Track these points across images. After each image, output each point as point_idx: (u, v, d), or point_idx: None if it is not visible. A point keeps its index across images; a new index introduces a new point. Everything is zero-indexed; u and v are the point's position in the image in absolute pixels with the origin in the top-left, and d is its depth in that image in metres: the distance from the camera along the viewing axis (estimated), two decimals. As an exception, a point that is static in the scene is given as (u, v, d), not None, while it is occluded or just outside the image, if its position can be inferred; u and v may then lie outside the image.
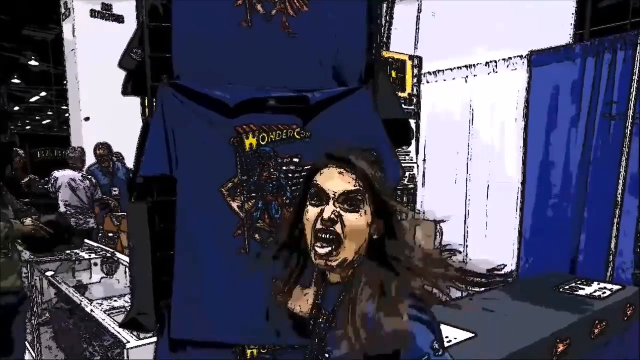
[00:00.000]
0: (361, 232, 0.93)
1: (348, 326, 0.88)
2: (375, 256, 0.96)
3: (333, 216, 0.91)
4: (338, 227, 0.91)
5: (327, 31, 1.48)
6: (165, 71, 1.41)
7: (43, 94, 16.07)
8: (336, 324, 0.96)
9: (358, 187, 0.93)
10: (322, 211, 0.92)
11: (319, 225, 0.92)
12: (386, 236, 0.96)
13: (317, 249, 0.93)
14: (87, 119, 6.28)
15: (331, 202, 0.92)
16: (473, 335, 1.96)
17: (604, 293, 2.65)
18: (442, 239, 3.75)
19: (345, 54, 1.51)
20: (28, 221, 2.74)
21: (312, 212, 0.95)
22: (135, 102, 1.79)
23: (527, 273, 3.53)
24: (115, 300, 2.68)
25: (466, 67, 4.13)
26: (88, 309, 2.50)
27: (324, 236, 0.92)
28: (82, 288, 2.99)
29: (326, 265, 0.94)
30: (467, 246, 4.15)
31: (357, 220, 0.92)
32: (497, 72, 3.89)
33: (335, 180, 0.93)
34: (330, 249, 0.92)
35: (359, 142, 1.14)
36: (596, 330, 2.30)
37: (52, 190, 4.86)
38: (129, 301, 1.81)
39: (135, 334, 2.06)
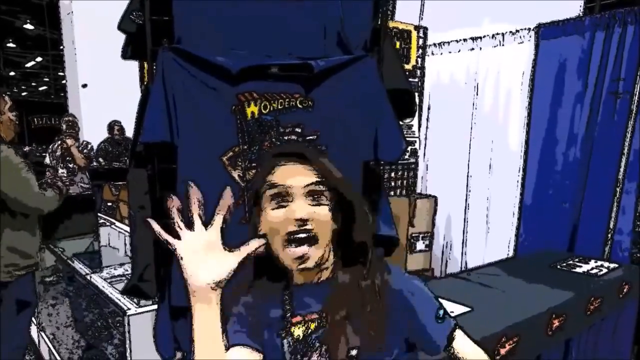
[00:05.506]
0: (328, 224, 0.87)
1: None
2: (341, 247, 0.92)
3: (306, 214, 0.84)
4: (310, 224, 0.85)
5: (333, -4, 1.43)
6: (166, 34, 1.36)
7: (39, 59, 15.76)
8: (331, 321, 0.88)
9: (319, 179, 0.87)
10: (291, 211, 0.85)
11: (290, 228, 0.84)
12: (353, 224, 0.90)
13: (292, 250, 0.85)
14: (84, 86, 6.16)
15: (298, 200, 0.86)
16: (469, 309, 1.98)
17: (600, 271, 2.66)
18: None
19: (351, 20, 1.47)
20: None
21: (275, 215, 0.86)
22: (134, 67, 1.74)
23: (525, 249, 3.55)
24: (115, 269, 2.69)
25: (472, 39, 4.03)
26: (87, 276, 2.51)
27: (298, 236, 0.85)
28: (81, 256, 3.00)
29: (303, 267, 0.86)
30: (467, 219, 4.16)
31: (325, 214, 0.87)
32: (503, 45, 3.81)
33: (295, 177, 0.87)
34: (306, 247, 0.85)
35: (362, 112, 1.10)
36: (591, 307, 2.32)
37: (52, 160, 4.85)
38: (129, 269, 1.82)
39: (135, 301, 2.08)
